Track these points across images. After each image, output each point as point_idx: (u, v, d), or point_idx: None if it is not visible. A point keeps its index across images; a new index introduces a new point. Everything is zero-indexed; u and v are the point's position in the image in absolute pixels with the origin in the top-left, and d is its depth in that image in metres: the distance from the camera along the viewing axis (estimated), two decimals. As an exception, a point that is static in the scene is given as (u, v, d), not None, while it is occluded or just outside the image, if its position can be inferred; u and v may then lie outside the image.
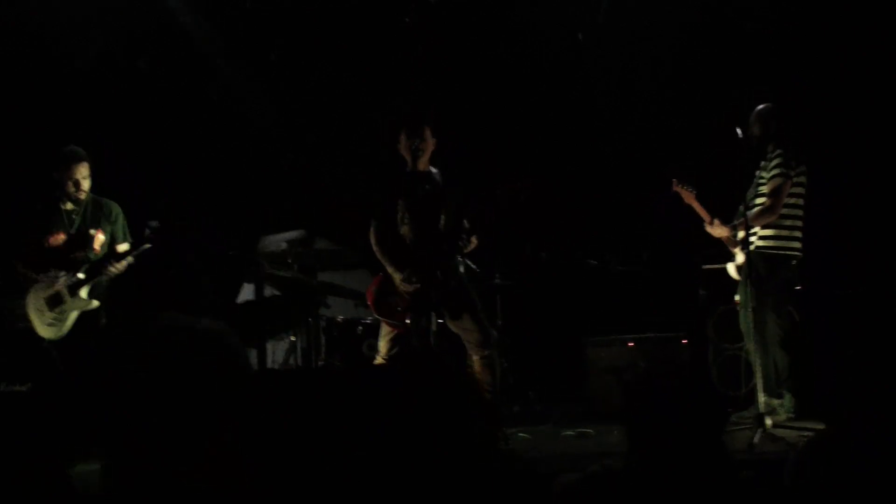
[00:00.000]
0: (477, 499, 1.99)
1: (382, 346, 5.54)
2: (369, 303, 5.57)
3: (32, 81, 6.69)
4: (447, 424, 2.06)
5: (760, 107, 5.79)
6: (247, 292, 8.44)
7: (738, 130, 5.28)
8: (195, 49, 7.18)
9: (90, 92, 6.91)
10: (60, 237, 5.48)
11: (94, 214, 5.54)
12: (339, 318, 7.33)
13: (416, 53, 7.23)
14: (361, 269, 7.79)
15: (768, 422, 4.92)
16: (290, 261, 7.49)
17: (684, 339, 6.56)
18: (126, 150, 5.81)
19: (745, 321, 5.67)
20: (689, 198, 5.83)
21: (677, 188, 5.85)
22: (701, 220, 5.84)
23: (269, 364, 8.26)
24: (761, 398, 5.06)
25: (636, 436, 2.26)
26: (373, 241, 5.54)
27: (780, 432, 5.00)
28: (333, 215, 7.56)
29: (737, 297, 5.82)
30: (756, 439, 4.79)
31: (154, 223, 5.38)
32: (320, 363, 6.99)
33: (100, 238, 5.53)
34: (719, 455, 2.22)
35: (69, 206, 5.50)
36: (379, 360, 5.60)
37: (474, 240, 5.47)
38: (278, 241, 8.30)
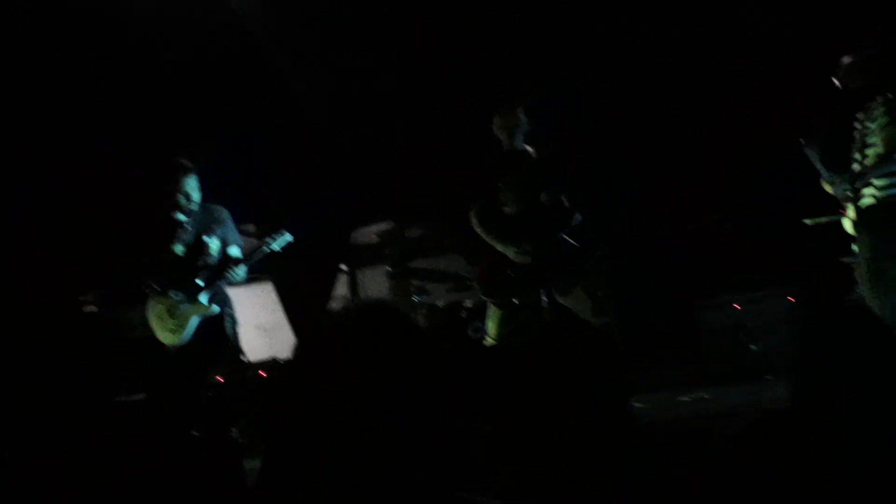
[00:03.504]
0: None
1: (492, 327, 5.53)
2: (478, 284, 5.57)
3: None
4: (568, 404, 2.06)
5: (860, 49, 5.59)
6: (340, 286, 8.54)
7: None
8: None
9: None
10: (179, 247, 5.58)
11: (205, 221, 5.63)
12: (439, 303, 7.36)
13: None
14: (452, 253, 7.81)
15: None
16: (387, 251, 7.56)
17: (791, 297, 6.43)
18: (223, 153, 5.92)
19: (863, 272, 5.55)
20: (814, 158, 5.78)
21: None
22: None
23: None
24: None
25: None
26: (475, 223, 5.52)
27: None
28: (425, 201, 7.57)
29: (854, 248, 5.70)
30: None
31: (281, 235, 5.61)
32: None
33: (214, 244, 5.62)
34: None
35: (182, 216, 5.59)
36: (489, 341, 5.58)
37: (576, 215, 5.44)
38: (368, 233, 8.37)
